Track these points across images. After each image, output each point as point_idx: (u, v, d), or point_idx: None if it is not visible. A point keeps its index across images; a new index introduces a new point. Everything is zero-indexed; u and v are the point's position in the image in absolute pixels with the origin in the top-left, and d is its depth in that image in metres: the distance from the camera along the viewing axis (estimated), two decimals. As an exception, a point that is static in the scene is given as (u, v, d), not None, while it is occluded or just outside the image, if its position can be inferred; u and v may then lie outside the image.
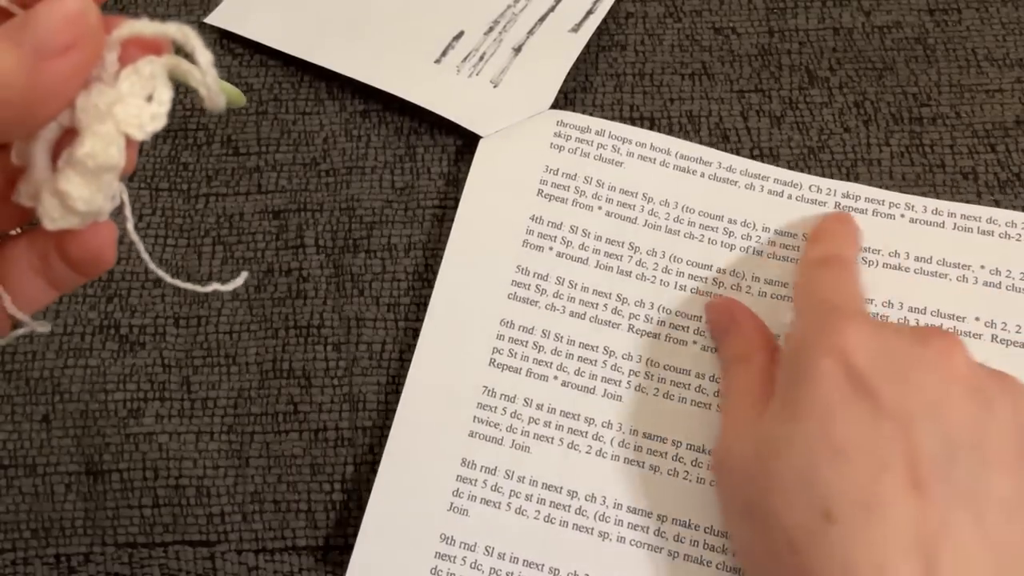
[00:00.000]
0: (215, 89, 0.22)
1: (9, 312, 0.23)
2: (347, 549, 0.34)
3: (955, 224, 0.38)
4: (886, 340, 0.30)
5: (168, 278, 0.23)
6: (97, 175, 0.21)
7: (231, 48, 0.45)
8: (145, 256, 0.23)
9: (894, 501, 0.27)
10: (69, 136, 0.21)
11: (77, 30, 0.19)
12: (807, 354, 0.30)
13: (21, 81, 0.19)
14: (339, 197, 0.41)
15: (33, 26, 0.19)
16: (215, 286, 0.24)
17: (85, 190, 0.21)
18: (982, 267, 0.37)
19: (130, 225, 0.23)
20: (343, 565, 0.34)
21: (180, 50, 0.22)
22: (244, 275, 0.25)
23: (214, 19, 0.45)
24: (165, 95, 0.21)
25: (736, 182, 0.40)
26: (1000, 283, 0.37)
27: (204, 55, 0.21)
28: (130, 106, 0.21)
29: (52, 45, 0.19)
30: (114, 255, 0.23)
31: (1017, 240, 0.38)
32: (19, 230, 0.23)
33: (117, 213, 0.22)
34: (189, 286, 0.24)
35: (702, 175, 0.40)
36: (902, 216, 0.39)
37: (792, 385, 0.30)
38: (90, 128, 0.20)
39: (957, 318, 0.36)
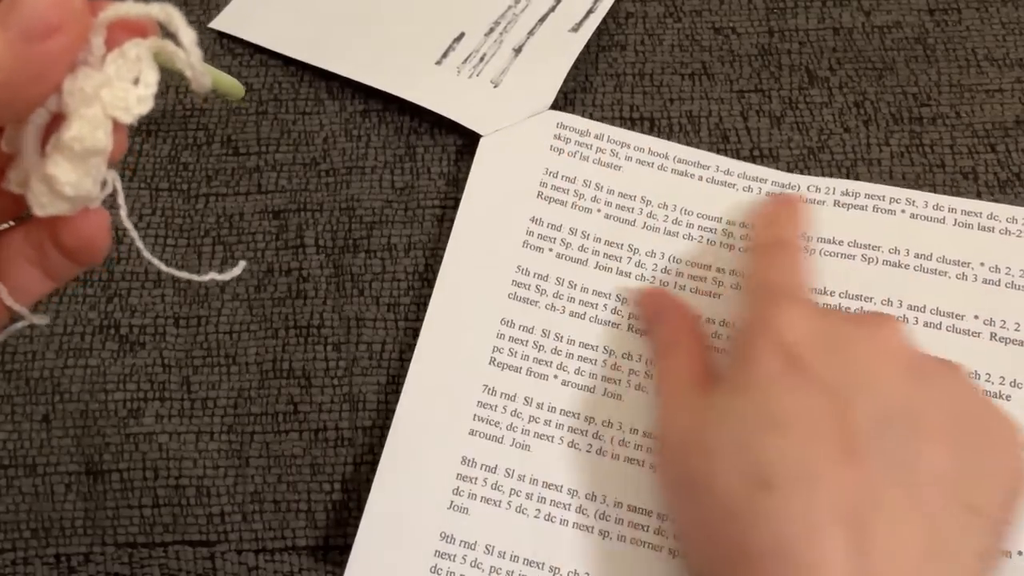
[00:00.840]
0: (199, 69, 0.22)
1: (7, 304, 0.23)
2: (347, 549, 0.34)
3: (955, 220, 0.38)
4: (823, 320, 0.31)
5: (163, 267, 0.23)
6: (84, 159, 0.21)
7: (231, 48, 0.45)
8: (139, 244, 0.23)
9: (827, 471, 0.27)
10: (58, 122, 0.21)
11: (63, 12, 0.19)
12: (748, 334, 0.31)
13: (8, 64, 0.19)
14: (339, 197, 0.41)
15: (19, 9, 0.19)
16: (212, 275, 0.23)
17: (73, 174, 0.21)
18: (982, 264, 0.37)
19: (123, 212, 0.23)
20: (343, 565, 0.34)
21: (167, 33, 0.22)
22: (242, 263, 0.25)
23: (218, 24, 0.45)
24: (151, 78, 0.21)
25: (734, 184, 0.40)
26: (999, 280, 0.37)
27: (187, 34, 0.21)
28: (117, 89, 0.21)
29: (39, 28, 0.19)
30: (107, 242, 0.23)
31: (1017, 236, 0.38)
32: (12, 223, 0.23)
33: (112, 205, 0.22)
34: (186, 275, 0.24)
35: (700, 178, 0.40)
36: (902, 212, 0.39)
37: (734, 364, 0.31)
38: (77, 112, 0.20)
39: (956, 316, 0.36)
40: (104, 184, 0.22)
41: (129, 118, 0.21)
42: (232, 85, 0.24)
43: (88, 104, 0.20)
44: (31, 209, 0.21)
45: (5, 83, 0.19)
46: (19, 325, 0.24)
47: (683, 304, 0.37)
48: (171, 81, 0.22)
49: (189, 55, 0.22)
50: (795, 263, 0.35)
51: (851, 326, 0.30)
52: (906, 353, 0.30)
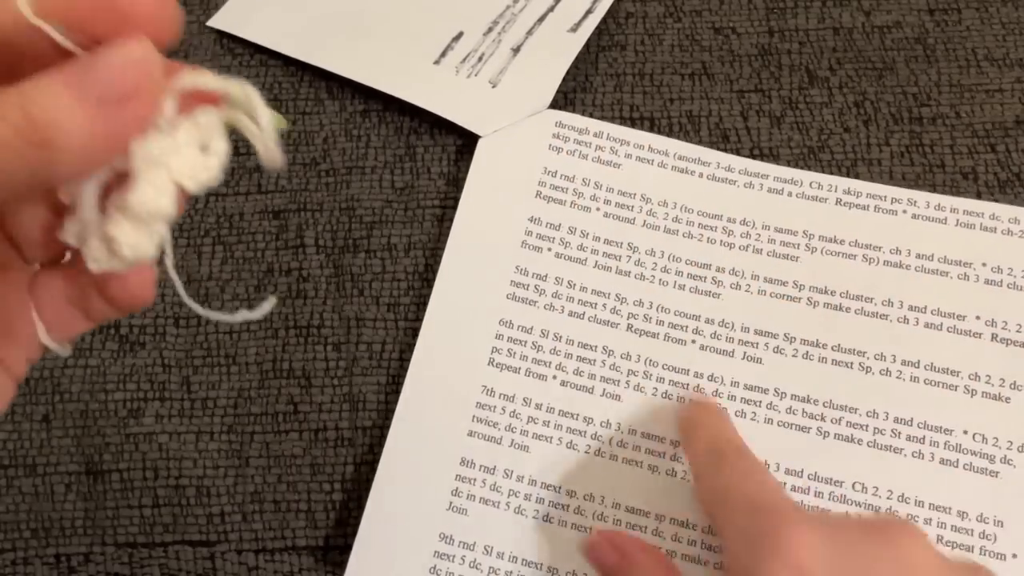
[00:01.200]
0: (273, 148, 0.21)
1: (42, 341, 0.22)
2: (347, 549, 0.34)
3: (957, 220, 0.38)
4: (840, 542, 0.27)
5: (200, 310, 0.22)
6: (147, 223, 0.20)
7: (231, 48, 0.45)
8: (181, 291, 0.22)
9: None
10: (120, 179, 0.20)
11: (140, 79, 0.19)
12: (751, 562, 0.27)
13: (81, 129, 0.18)
14: (339, 197, 0.41)
15: (95, 72, 0.18)
16: (243, 314, 0.22)
17: (133, 236, 0.20)
18: (983, 264, 0.37)
19: (169, 262, 0.22)
20: (343, 565, 0.34)
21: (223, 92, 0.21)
22: (272, 300, 0.24)
23: (216, 22, 0.45)
24: (221, 148, 0.21)
25: (735, 181, 0.40)
26: (1001, 281, 0.37)
27: (265, 114, 0.21)
28: (185, 157, 0.20)
29: (114, 93, 0.18)
30: (153, 295, 0.22)
31: (1020, 237, 0.38)
32: (67, 256, 0.23)
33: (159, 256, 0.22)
34: (217, 316, 0.22)
35: (700, 175, 0.40)
36: (904, 212, 0.39)
37: None
38: (144, 176, 0.20)
39: (957, 316, 0.36)
40: (159, 243, 0.21)
41: (196, 187, 0.21)
42: (279, 122, 0.24)
43: (155, 169, 0.20)
44: (86, 263, 0.20)
45: (76, 148, 0.18)
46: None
47: (646, 546, 0.32)
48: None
49: (265, 136, 0.21)
50: (761, 467, 0.32)
51: (869, 543, 0.27)
52: (935, 565, 0.27)
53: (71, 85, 0.18)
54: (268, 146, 0.21)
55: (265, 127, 0.21)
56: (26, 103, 0.18)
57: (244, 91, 0.21)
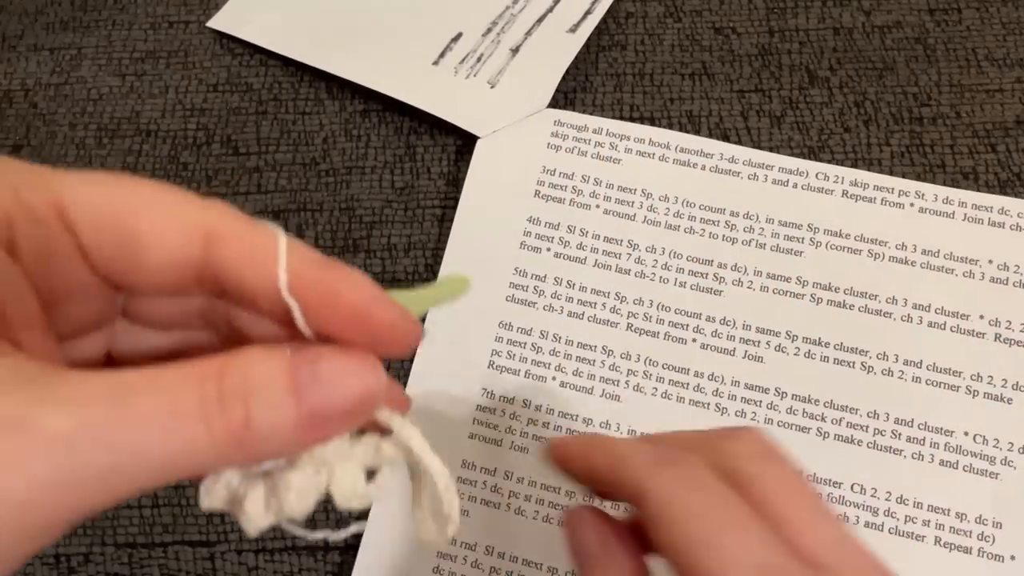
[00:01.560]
0: (434, 533, 0.20)
1: None
2: (347, 549, 0.34)
3: (965, 215, 0.38)
4: None
5: (297, 531, 0.20)
6: (282, 510, 0.19)
7: (231, 48, 0.45)
8: (287, 527, 0.20)
9: None
10: None
11: (361, 409, 0.18)
12: None
13: (283, 438, 0.17)
14: (339, 197, 0.41)
15: (323, 387, 0.17)
16: (326, 533, 0.20)
17: (260, 512, 0.19)
18: (990, 262, 0.37)
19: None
20: (343, 565, 0.34)
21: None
22: (363, 525, 0.22)
23: (216, 23, 0.45)
24: (387, 481, 0.20)
25: (739, 173, 0.39)
26: (1008, 279, 0.37)
27: (454, 506, 0.20)
28: (350, 473, 0.19)
29: (331, 414, 0.17)
30: None
31: None
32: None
33: None
34: (301, 533, 0.20)
35: (703, 167, 0.40)
36: (911, 205, 0.38)
37: None
38: (304, 470, 0.19)
39: (961, 316, 0.36)
40: None
41: (343, 506, 0.19)
42: (459, 286, 0.22)
43: (318, 469, 0.19)
44: (199, 492, 0.19)
45: (271, 449, 0.17)
46: None
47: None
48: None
49: (450, 516, 0.20)
50: None
51: None
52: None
53: (296, 394, 0.17)
54: (428, 525, 0.20)
55: (449, 515, 0.20)
56: (249, 400, 0.16)
57: (444, 477, 0.20)
